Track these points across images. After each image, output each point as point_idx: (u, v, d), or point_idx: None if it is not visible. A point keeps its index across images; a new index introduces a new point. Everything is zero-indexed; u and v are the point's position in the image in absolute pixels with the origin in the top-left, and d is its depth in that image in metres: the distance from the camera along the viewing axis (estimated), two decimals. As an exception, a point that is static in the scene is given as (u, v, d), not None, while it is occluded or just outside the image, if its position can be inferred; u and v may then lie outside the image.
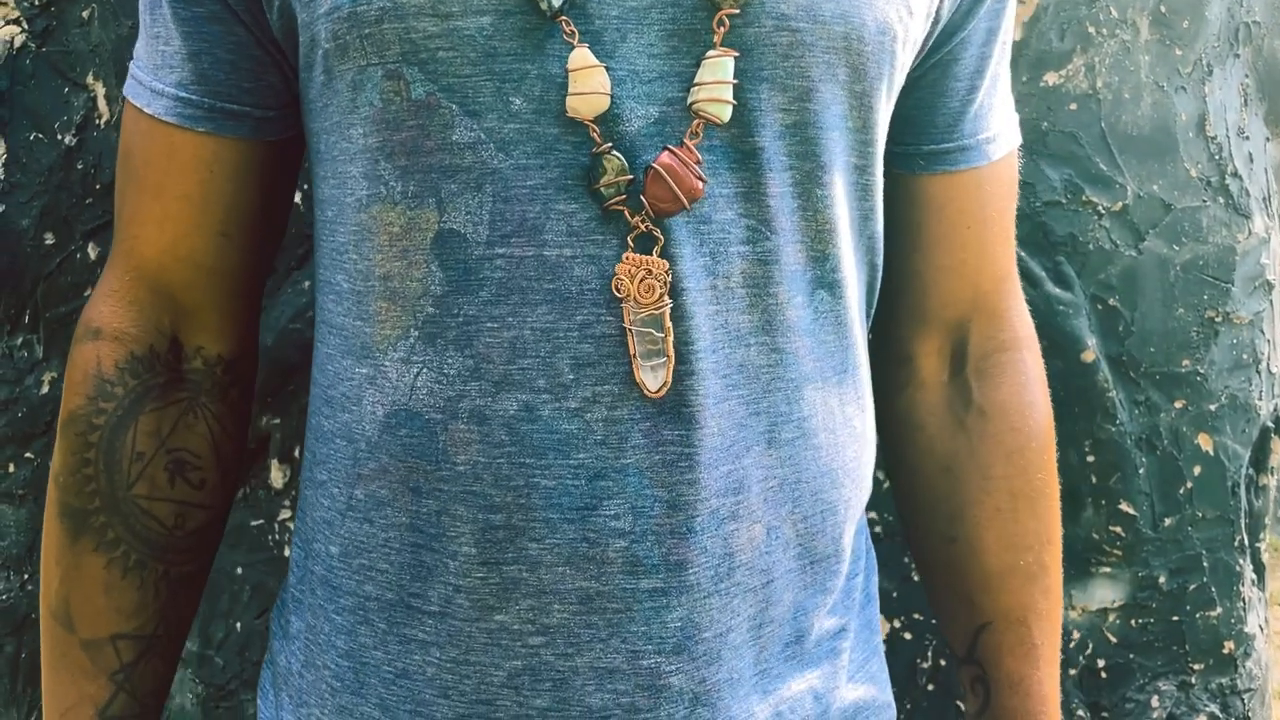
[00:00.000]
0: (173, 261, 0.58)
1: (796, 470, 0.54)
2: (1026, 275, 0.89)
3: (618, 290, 0.49)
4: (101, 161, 0.90)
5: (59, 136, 0.90)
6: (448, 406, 0.50)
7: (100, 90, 0.90)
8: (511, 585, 0.51)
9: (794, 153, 0.51)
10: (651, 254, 0.49)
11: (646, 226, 0.49)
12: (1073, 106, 0.89)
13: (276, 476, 0.92)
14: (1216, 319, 0.90)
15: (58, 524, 0.58)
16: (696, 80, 0.48)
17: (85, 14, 0.90)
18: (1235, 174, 0.91)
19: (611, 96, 0.47)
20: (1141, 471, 0.90)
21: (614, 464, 0.50)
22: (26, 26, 0.89)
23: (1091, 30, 0.89)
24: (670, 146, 0.48)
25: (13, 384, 0.93)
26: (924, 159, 0.62)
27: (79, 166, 0.90)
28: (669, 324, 0.49)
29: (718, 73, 0.47)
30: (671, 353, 0.49)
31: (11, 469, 0.94)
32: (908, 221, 0.63)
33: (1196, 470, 0.91)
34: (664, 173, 0.48)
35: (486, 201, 0.49)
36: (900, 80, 0.55)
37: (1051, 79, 0.89)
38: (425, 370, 0.51)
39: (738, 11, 0.47)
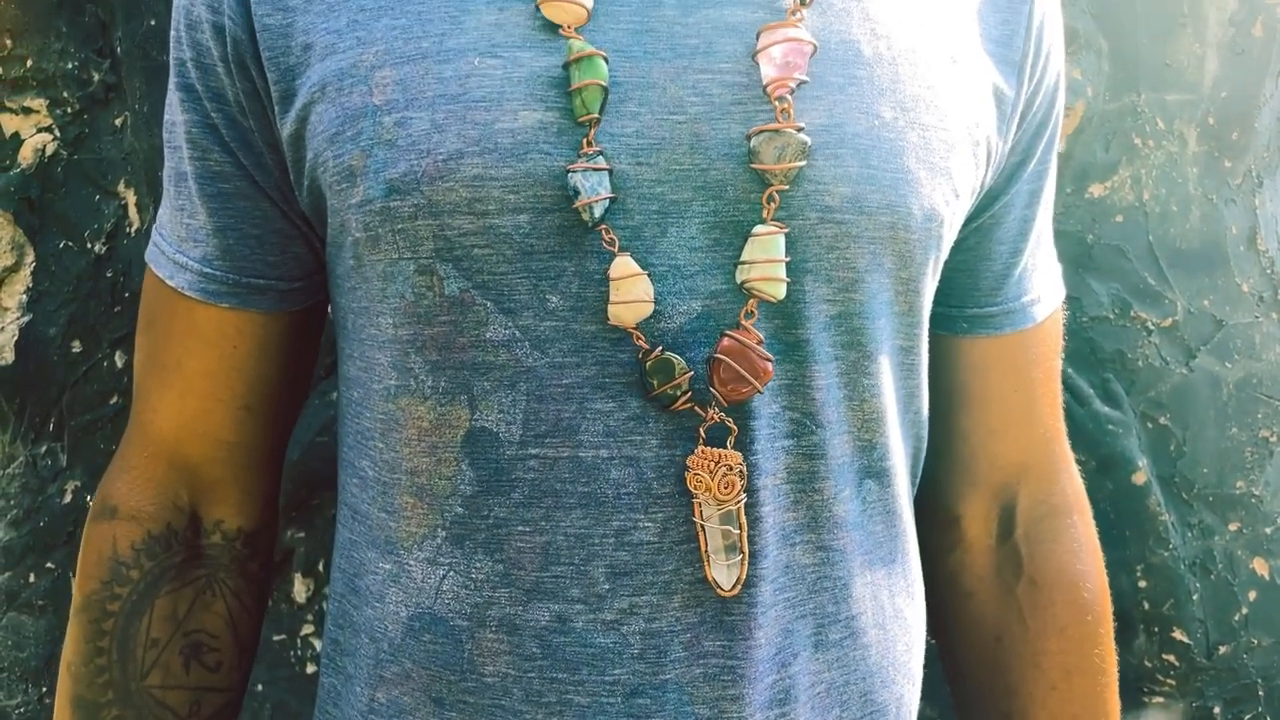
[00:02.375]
0: (192, 437, 0.56)
1: (845, 672, 0.51)
2: (1074, 393, 0.86)
3: (694, 487, 0.46)
4: (131, 270, 0.89)
5: (89, 245, 0.89)
6: (475, 614, 0.48)
7: (131, 198, 0.90)
8: None
9: (840, 343, 0.49)
10: (726, 446, 0.46)
11: (720, 418, 0.46)
12: (1119, 219, 0.87)
13: (300, 590, 0.90)
14: (1271, 439, 0.87)
15: (70, 716, 0.55)
16: (745, 258, 0.46)
17: (118, 121, 0.89)
18: (1288, 288, 0.88)
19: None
20: (1195, 597, 0.86)
21: (652, 680, 0.47)
22: (58, 134, 0.89)
23: (1138, 141, 0.87)
24: (729, 331, 0.46)
25: (35, 492, 0.91)
26: (968, 322, 0.60)
27: (108, 275, 0.89)
28: (743, 519, 0.46)
29: (769, 250, 0.45)
30: (746, 548, 0.47)
31: (32, 579, 0.92)
32: (953, 382, 0.61)
33: (1252, 595, 0.87)
34: (729, 359, 0.45)
35: (520, 400, 0.47)
36: (945, 255, 0.53)
37: (1097, 191, 0.87)
38: (452, 573, 0.48)
39: (788, 187, 0.45)
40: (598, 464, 0.46)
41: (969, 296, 0.59)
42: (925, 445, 0.58)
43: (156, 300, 0.56)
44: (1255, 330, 0.87)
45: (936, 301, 0.59)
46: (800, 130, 0.44)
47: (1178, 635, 0.86)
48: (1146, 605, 0.86)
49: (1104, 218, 0.87)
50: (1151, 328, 0.86)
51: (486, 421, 0.47)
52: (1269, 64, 0.87)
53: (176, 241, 0.54)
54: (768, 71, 0.45)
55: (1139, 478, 0.86)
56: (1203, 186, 0.87)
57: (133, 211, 0.90)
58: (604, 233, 0.45)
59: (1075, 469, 0.65)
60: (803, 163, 0.45)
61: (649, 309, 0.45)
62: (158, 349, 0.56)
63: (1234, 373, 0.87)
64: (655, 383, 0.45)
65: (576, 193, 0.44)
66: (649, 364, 0.45)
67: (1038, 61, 0.55)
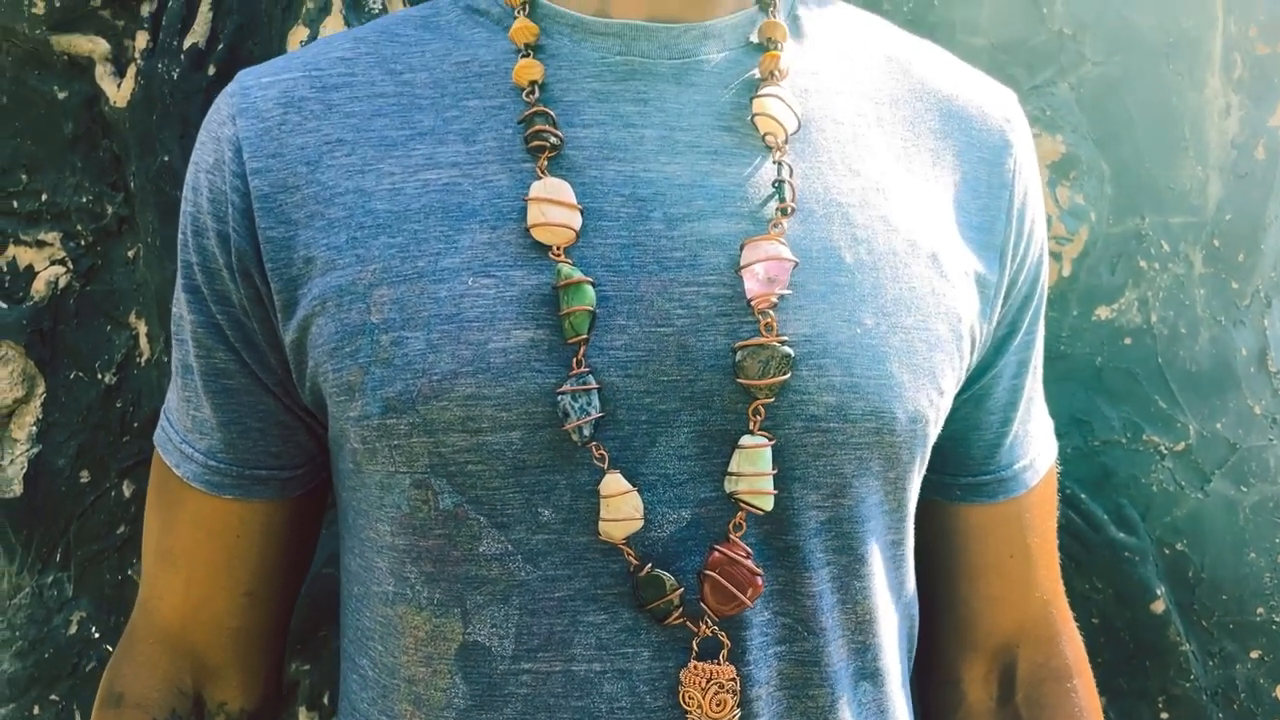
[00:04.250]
0: (196, 624, 0.56)
1: None
2: (1088, 519, 0.85)
3: (685, 703, 0.46)
4: (140, 400, 0.89)
5: (99, 375, 0.90)
6: None
7: (142, 329, 0.90)
8: None
9: (831, 548, 0.49)
10: (719, 658, 0.46)
11: (712, 631, 0.46)
12: (1127, 341, 0.87)
13: (306, 723, 0.89)
14: (1291, 564, 0.86)
15: None
16: (733, 469, 0.46)
17: (130, 253, 0.91)
18: (1301, 409, 0.88)
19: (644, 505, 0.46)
20: (1219, 729, 0.84)
21: None
22: (71, 266, 0.90)
23: (1143, 264, 0.87)
24: (718, 545, 0.46)
25: (41, 623, 0.90)
26: (961, 490, 0.60)
27: (118, 405, 0.90)
28: None
29: (757, 463, 0.46)
30: None
31: (36, 711, 0.91)
32: (949, 548, 0.61)
33: (1278, 725, 0.85)
34: (719, 575, 0.46)
35: (513, 614, 0.47)
36: (932, 444, 0.53)
37: (1104, 313, 0.87)
38: None
39: (773, 399, 0.46)
40: (590, 678, 0.46)
41: (962, 465, 0.60)
42: (918, 619, 0.58)
43: (164, 484, 0.57)
44: (1269, 453, 0.86)
45: (930, 469, 0.59)
46: (784, 343, 0.45)
47: (1203, 768, 0.84)
48: (1169, 738, 0.84)
49: (1112, 340, 0.87)
50: (1164, 452, 0.86)
51: (479, 635, 0.47)
52: (1272, 186, 0.88)
53: (183, 431, 0.55)
54: (751, 286, 0.46)
55: (1158, 606, 0.84)
56: (1210, 308, 0.87)
57: (143, 341, 0.90)
58: (594, 449, 0.46)
59: (1075, 630, 0.64)
60: (786, 375, 0.45)
61: (639, 524, 0.45)
62: (164, 535, 0.56)
63: (1250, 497, 0.86)
64: (646, 597, 0.46)
65: (566, 415, 0.44)
66: (639, 579, 0.46)
67: (1020, 242, 0.55)
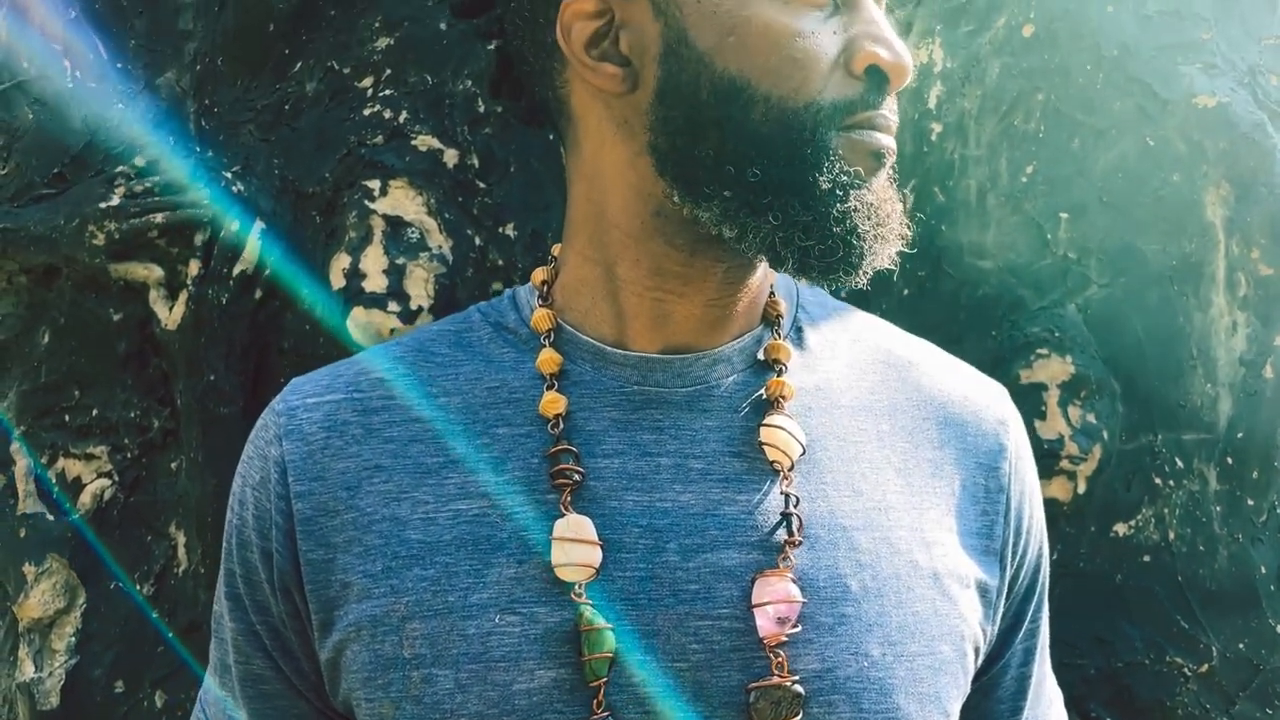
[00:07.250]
0: None
1: None
2: (1113, 745, 0.85)
3: None
4: (177, 611, 0.92)
5: (137, 585, 0.93)
6: None
7: (181, 539, 0.93)
8: None
9: None
10: None
11: None
12: (1146, 558, 0.87)
13: None
14: (1324, 792, 0.84)
15: None
16: None
17: (174, 465, 0.94)
18: (1325, 628, 0.87)
19: None
20: None
21: None
22: (117, 479, 0.94)
23: (1158, 481, 0.88)
24: None
25: (69, 834, 0.91)
26: None
27: (154, 616, 0.92)
28: None
29: None
30: None
31: None
32: None
33: None
34: None
35: None
36: None
37: (1122, 530, 0.88)
38: None
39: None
40: None
41: None
42: None
43: None
44: (1295, 675, 0.86)
45: None
46: (795, 681, 0.47)
47: None
48: None
49: (1131, 558, 0.87)
50: (1188, 674, 0.85)
51: None
52: (1282, 404, 0.89)
53: None
54: (763, 624, 0.48)
55: (1188, 838, 0.83)
56: (1228, 525, 0.88)
57: (181, 552, 0.93)
58: None
59: None
60: (798, 717, 0.47)
61: None
62: None
63: (1276, 719, 0.85)
64: None
65: None
66: None
67: (1018, 542, 0.57)
